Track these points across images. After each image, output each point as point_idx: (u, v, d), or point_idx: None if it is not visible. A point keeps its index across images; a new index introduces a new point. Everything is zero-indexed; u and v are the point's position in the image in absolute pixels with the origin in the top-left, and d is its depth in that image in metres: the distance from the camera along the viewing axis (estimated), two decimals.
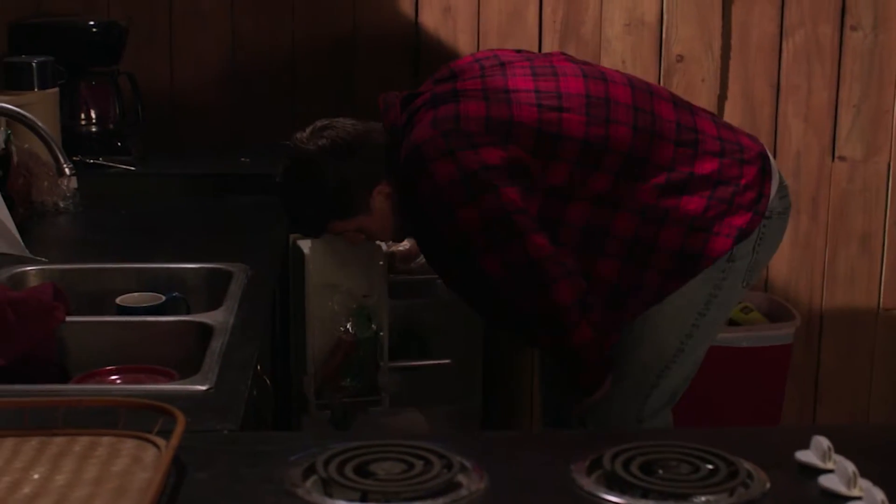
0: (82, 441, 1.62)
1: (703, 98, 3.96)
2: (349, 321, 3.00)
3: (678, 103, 2.83)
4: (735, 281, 2.78)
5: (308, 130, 2.77)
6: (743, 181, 2.75)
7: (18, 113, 2.31)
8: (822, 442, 1.57)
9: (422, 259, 3.08)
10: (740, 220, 2.73)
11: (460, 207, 2.55)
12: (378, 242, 2.99)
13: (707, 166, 2.72)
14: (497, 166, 2.55)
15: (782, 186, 2.86)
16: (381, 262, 3.03)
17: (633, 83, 2.78)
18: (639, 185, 2.66)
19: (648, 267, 2.70)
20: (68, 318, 2.23)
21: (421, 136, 2.60)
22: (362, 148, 2.72)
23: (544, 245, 2.57)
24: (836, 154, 4.00)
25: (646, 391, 2.81)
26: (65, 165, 2.27)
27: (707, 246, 2.71)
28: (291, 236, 3.14)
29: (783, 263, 4.03)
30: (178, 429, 1.56)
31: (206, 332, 2.21)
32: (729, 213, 2.72)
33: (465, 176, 2.53)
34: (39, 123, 2.29)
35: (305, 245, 3.01)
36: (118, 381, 2.17)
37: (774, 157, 3.86)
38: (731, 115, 3.97)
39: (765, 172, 2.79)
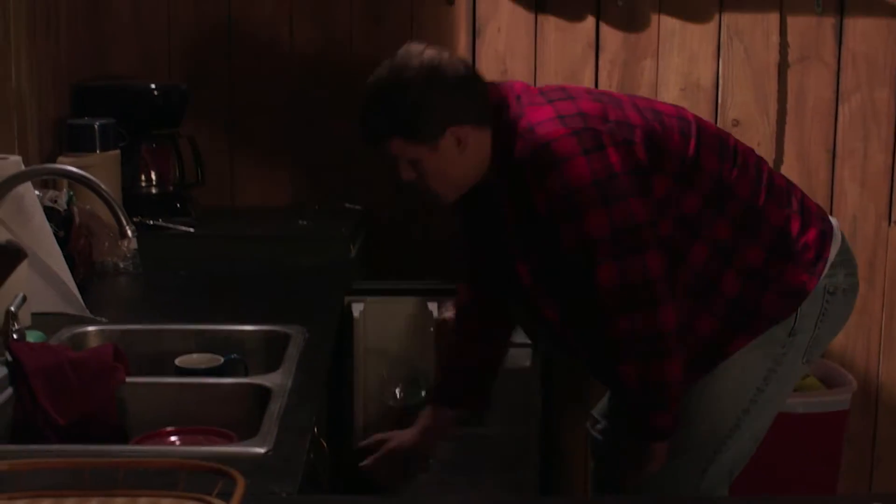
0: (142, 502, 1.63)
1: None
2: (399, 387, 2.97)
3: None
4: (795, 357, 2.71)
5: (423, 46, 2.63)
6: (803, 240, 2.69)
7: (82, 176, 2.35)
8: None
9: None
10: (797, 279, 2.66)
11: (591, 211, 2.47)
12: (430, 308, 2.95)
13: (774, 216, 2.67)
14: (627, 172, 2.50)
15: (850, 263, 2.77)
16: (431, 329, 3.02)
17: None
18: (719, 216, 2.61)
19: (707, 309, 2.65)
20: (128, 379, 2.25)
21: (549, 131, 2.49)
22: (461, 87, 2.59)
23: (662, 265, 2.51)
24: (893, 219, 3.99)
25: (703, 466, 2.72)
26: (127, 228, 2.30)
27: (763, 302, 2.64)
28: (346, 299, 3.15)
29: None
30: (238, 491, 1.57)
31: (264, 394, 2.22)
32: (786, 272, 2.66)
33: (598, 180, 2.47)
34: (103, 186, 2.32)
35: (357, 308, 3.01)
36: (177, 443, 2.18)
37: None
38: (785, 175, 3.96)
39: (825, 236, 2.73)
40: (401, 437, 2.86)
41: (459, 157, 2.59)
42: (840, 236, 2.76)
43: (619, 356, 2.55)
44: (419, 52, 2.60)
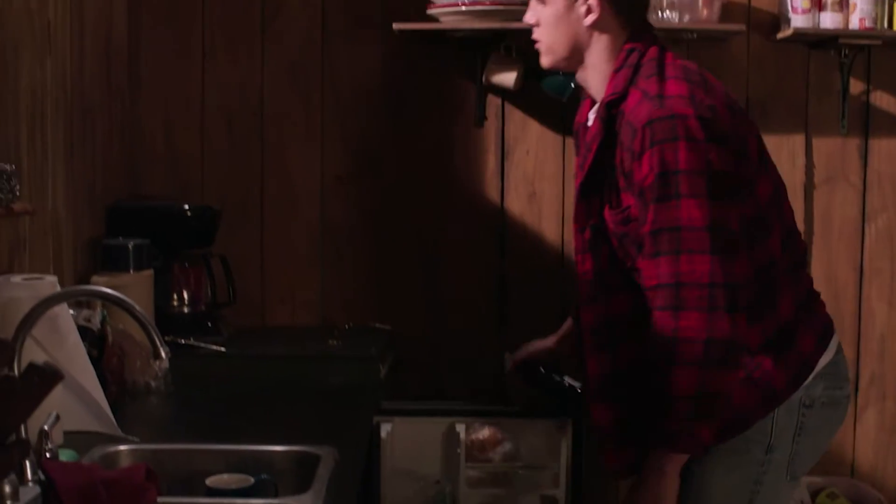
0: None
1: None
2: None
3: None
4: (778, 474, 2.61)
5: None
6: (798, 345, 2.60)
7: (118, 298, 2.37)
8: None
9: (502, 448, 3.04)
10: (775, 381, 2.56)
11: (693, 200, 2.42)
12: (458, 429, 2.94)
13: (785, 306, 2.61)
14: (736, 176, 2.49)
15: (836, 377, 2.66)
16: (458, 450, 3.01)
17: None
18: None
19: None
20: (159, 500, 2.25)
21: (678, 108, 2.45)
22: None
23: (745, 273, 2.47)
24: None
25: None
26: (161, 350, 2.32)
27: (735, 395, 2.53)
28: (375, 419, 3.16)
29: (869, 447, 3.98)
30: None
31: None
32: (767, 370, 2.56)
33: (713, 171, 2.44)
34: (138, 308, 2.34)
35: (385, 429, 3.01)
36: None
37: (858, 340, 3.87)
38: None
39: (819, 348, 2.63)
40: (538, 343, 3.05)
41: (579, 26, 2.60)
42: (835, 350, 2.67)
43: (677, 359, 2.44)
44: None
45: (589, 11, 2.59)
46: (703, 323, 2.42)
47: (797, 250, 2.70)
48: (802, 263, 2.73)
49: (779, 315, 2.60)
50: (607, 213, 2.58)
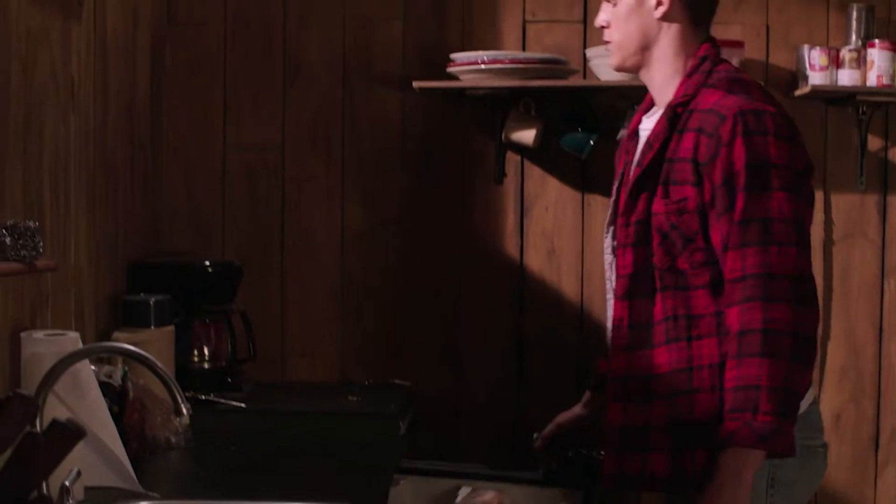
0: None
1: None
2: None
3: None
4: None
5: None
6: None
7: (140, 354, 2.39)
8: None
9: None
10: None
11: (780, 192, 2.48)
12: (460, 492, 2.92)
13: None
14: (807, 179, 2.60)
15: (808, 427, 2.63)
16: None
17: None
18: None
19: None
20: None
21: (762, 106, 2.56)
22: None
23: (808, 264, 2.52)
24: None
25: None
26: (182, 406, 2.33)
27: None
28: (395, 476, 3.15)
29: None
30: None
31: None
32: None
33: (794, 169, 2.54)
34: (159, 365, 2.36)
35: (393, 490, 2.99)
36: None
37: (879, 396, 3.87)
38: (834, 356, 3.98)
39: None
40: (565, 414, 3.01)
41: (649, 15, 2.69)
42: (811, 400, 2.64)
43: (768, 351, 2.43)
44: None
45: (659, 3, 2.68)
46: (792, 316, 2.44)
47: None
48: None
49: None
50: (659, 205, 2.59)
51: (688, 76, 2.66)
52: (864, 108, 3.91)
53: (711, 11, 2.78)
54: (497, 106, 3.90)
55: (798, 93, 3.91)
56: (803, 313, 2.46)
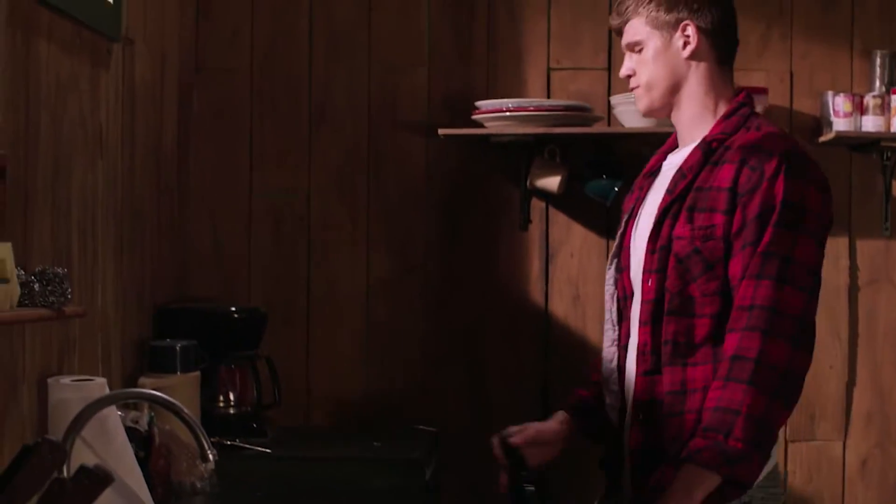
0: None
1: (832, 385, 3.97)
2: None
3: None
4: None
5: None
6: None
7: (166, 400, 2.40)
8: None
9: None
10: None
11: (807, 237, 2.55)
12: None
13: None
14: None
15: (773, 479, 2.63)
16: None
17: None
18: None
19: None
20: None
21: (804, 150, 2.66)
22: (722, 4, 2.78)
23: (814, 310, 2.57)
24: None
25: None
26: (209, 452, 2.34)
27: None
28: None
29: None
30: None
31: None
32: None
33: (821, 214, 2.61)
34: (185, 411, 2.37)
35: None
36: None
37: None
38: (860, 402, 3.97)
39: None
40: (545, 424, 2.95)
41: (678, 58, 2.74)
42: (774, 456, 2.63)
43: (754, 382, 2.45)
44: None
45: (687, 43, 2.73)
46: (787, 354, 2.48)
47: None
48: None
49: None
50: (684, 229, 2.61)
51: (725, 117, 2.72)
52: (889, 155, 3.91)
53: (734, 50, 2.83)
54: (522, 153, 3.92)
55: (822, 139, 3.91)
56: (799, 355, 2.51)
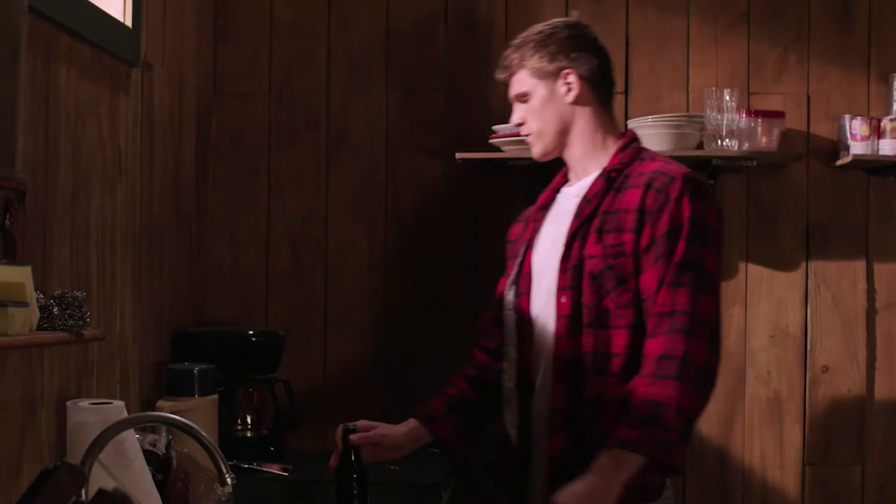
0: None
1: (850, 408, 3.96)
2: None
3: None
4: None
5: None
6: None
7: (185, 424, 2.41)
8: None
9: None
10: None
11: (712, 248, 2.77)
12: None
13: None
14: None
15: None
16: None
17: None
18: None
19: None
20: None
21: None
22: (597, 50, 3.00)
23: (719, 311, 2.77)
24: None
25: None
26: (227, 476, 2.34)
27: None
28: None
29: None
30: None
31: None
32: None
33: (719, 228, 2.84)
34: (204, 434, 2.38)
35: None
36: None
37: None
38: (879, 425, 3.96)
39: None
40: (389, 428, 3.04)
41: (562, 103, 2.96)
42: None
43: (681, 377, 2.64)
44: (573, 15, 3.13)
45: (569, 89, 2.96)
46: (706, 354, 2.69)
47: None
48: None
49: None
50: (595, 248, 2.82)
51: (621, 150, 2.95)
52: None
53: (612, 93, 3.05)
54: (539, 176, 3.91)
55: (840, 162, 3.91)
56: (714, 354, 2.72)
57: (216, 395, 3.42)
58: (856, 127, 3.84)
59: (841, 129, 3.93)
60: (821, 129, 3.99)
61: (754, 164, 3.81)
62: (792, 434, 4.01)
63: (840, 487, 4.01)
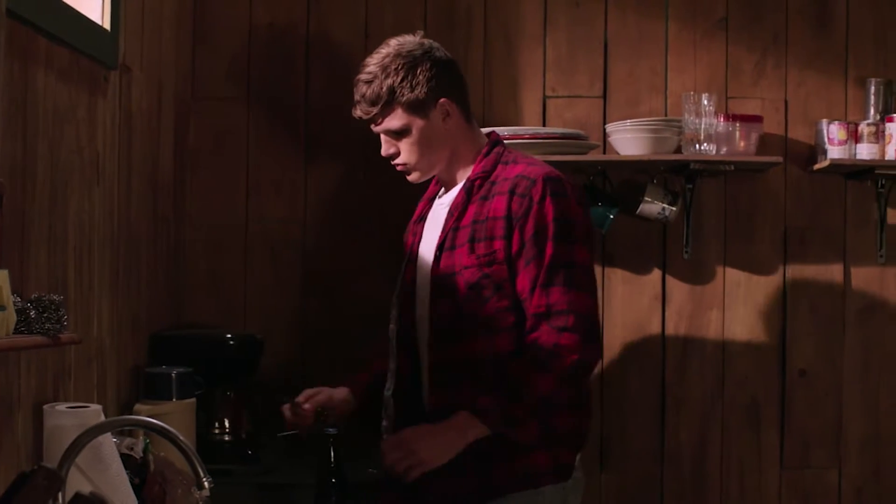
0: None
1: (828, 412, 3.98)
2: None
3: None
4: None
5: (419, 32, 3.13)
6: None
7: (162, 428, 2.40)
8: None
9: None
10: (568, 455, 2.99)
11: (581, 244, 2.92)
12: None
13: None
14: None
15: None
16: None
17: None
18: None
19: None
20: None
21: (557, 173, 2.98)
22: (453, 67, 3.08)
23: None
24: None
25: None
26: (205, 480, 2.34)
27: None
28: None
29: None
30: None
31: None
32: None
33: (587, 224, 3.03)
34: (181, 438, 2.37)
35: None
36: None
37: None
38: (856, 429, 3.99)
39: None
40: (332, 392, 3.26)
41: (444, 130, 3.03)
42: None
43: (546, 367, 2.83)
44: (413, 35, 3.07)
45: (446, 115, 3.04)
46: (579, 345, 2.85)
47: None
48: None
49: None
50: (469, 259, 2.93)
51: (484, 156, 3.06)
52: (883, 182, 3.93)
53: (468, 100, 3.14)
54: None
55: (817, 167, 3.93)
56: (590, 346, 2.89)
57: (194, 399, 3.40)
58: (833, 131, 3.86)
59: (818, 134, 3.94)
60: (798, 133, 4.00)
61: (732, 168, 3.82)
62: (769, 438, 4.02)
63: (817, 491, 4.02)
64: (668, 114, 4.00)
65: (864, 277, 4.01)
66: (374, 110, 3.03)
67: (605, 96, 4.02)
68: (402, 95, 2.99)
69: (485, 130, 3.27)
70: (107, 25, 3.12)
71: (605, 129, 3.94)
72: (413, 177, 3.13)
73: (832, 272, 4.01)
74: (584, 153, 3.85)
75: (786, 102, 4.02)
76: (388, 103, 3.01)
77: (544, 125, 3.99)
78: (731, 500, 4.03)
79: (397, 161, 3.10)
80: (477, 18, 4.06)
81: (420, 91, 2.99)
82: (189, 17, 4.06)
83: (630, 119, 3.88)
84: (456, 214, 3.00)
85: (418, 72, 2.99)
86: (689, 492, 4.05)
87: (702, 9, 4.03)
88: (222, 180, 4.08)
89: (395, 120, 3.03)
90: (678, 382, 4.03)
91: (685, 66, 4.03)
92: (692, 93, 3.83)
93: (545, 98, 4.03)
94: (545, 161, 3.05)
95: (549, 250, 2.87)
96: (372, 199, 4.04)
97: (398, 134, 3.05)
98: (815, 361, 4.01)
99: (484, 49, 4.04)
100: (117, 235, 3.28)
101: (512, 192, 2.92)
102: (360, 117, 3.08)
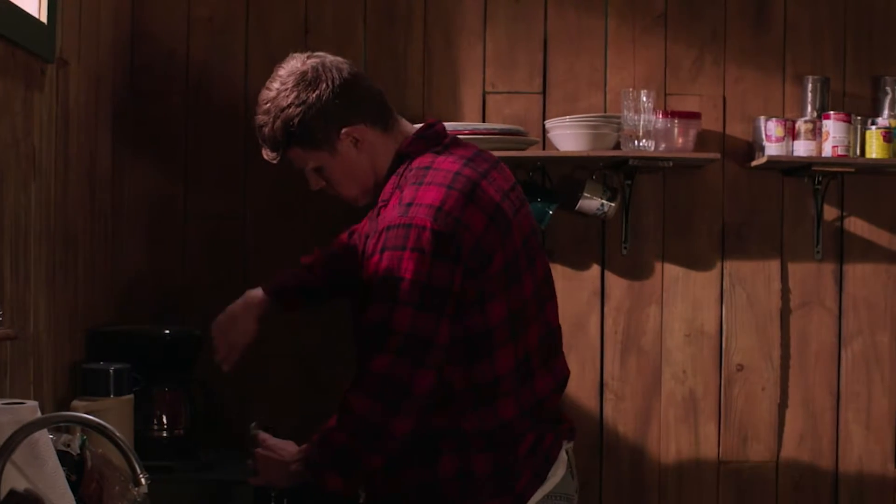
0: None
1: (765, 406, 4.01)
2: None
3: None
4: None
5: (305, 55, 2.87)
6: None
7: (98, 424, 2.38)
8: None
9: None
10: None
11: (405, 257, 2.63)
12: None
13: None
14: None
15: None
16: None
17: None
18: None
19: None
20: None
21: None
22: (346, 89, 2.78)
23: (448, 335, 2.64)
24: None
25: None
26: (141, 476, 2.32)
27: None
28: None
29: None
30: None
31: None
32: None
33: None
34: (118, 434, 2.35)
35: None
36: None
37: (836, 463, 3.89)
38: (793, 423, 4.01)
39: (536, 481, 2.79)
40: (244, 339, 3.27)
41: (359, 157, 2.79)
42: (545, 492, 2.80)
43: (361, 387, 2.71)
44: (301, 61, 2.81)
45: (355, 142, 2.79)
46: (387, 367, 2.65)
47: (530, 365, 2.79)
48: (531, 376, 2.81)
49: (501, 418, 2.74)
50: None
51: (386, 179, 2.84)
52: (820, 179, 3.96)
53: (381, 106, 2.87)
54: None
55: (754, 163, 3.96)
56: (399, 362, 2.64)
57: (132, 395, 3.38)
58: (771, 128, 3.89)
59: (756, 131, 3.98)
60: (736, 130, 4.04)
61: (670, 164, 3.84)
62: (707, 432, 4.06)
63: (755, 484, 4.06)
64: (607, 110, 4.02)
65: (801, 273, 4.05)
66: (277, 155, 2.85)
67: (544, 92, 4.04)
68: (300, 136, 2.78)
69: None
70: (44, 18, 3.09)
71: (544, 125, 3.96)
72: (356, 203, 2.95)
73: (769, 268, 4.04)
74: (524, 149, 3.86)
75: (724, 99, 4.05)
76: (288, 146, 2.81)
77: (484, 121, 4.00)
78: (669, 494, 4.06)
79: (330, 193, 2.95)
80: (417, 13, 4.05)
81: (318, 128, 2.77)
82: (128, 11, 4.03)
83: (569, 115, 3.90)
84: (363, 235, 2.92)
85: (311, 106, 2.75)
86: (627, 486, 4.07)
87: (641, 5, 4.06)
88: (160, 175, 4.05)
89: (301, 161, 2.86)
90: (617, 377, 4.05)
91: (624, 63, 4.05)
92: (631, 89, 3.86)
93: (485, 94, 4.04)
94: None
95: (369, 311, 2.71)
96: (313, 194, 4.00)
97: (315, 171, 2.88)
98: (753, 356, 4.05)
99: (424, 44, 4.04)
100: (54, 230, 3.25)
101: (367, 236, 2.80)
102: (269, 161, 2.91)
